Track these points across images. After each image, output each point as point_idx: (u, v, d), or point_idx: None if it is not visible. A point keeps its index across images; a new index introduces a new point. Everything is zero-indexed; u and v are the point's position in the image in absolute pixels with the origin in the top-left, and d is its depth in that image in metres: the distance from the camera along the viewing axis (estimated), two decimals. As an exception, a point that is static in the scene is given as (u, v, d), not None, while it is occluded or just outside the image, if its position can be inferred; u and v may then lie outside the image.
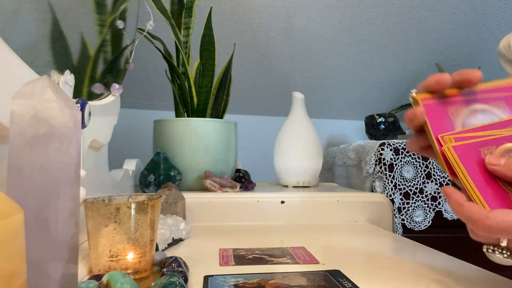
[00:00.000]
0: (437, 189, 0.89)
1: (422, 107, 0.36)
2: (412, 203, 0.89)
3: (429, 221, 0.89)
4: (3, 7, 0.38)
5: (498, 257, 0.31)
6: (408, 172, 0.89)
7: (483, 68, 1.38)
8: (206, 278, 0.40)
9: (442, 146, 0.34)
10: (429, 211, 0.89)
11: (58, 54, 0.50)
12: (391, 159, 0.88)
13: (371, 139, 1.29)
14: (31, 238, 0.24)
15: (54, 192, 0.26)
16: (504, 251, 0.30)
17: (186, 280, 0.37)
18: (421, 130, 0.37)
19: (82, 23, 0.59)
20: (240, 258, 0.48)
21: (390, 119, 1.26)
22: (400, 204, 0.88)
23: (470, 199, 0.31)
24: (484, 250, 0.32)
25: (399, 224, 0.88)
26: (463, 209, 0.30)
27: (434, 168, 0.89)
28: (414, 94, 0.37)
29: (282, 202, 0.76)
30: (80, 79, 0.55)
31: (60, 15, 0.49)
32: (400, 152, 0.89)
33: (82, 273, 0.39)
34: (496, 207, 0.30)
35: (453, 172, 0.33)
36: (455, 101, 0.36)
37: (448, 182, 0.90)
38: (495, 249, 0.31)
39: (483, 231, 0.29)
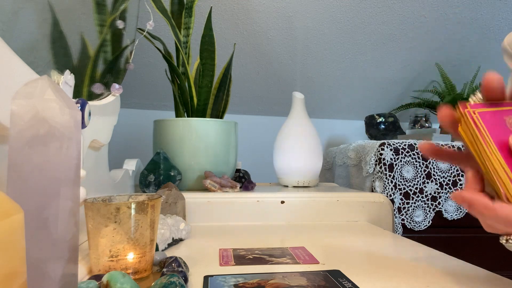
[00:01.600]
0: (437, 189, 0.89)
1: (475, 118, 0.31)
2: (412, 203, 0.89)
3: (429, 221, 0.89)
4: (3, 7, 0.38)
5: None
6: (408, 172, 0.89)
7: (483, 68, 1.38)
8: (206, 278, 0.40)
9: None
10: (429, 211, 0.89)
11: (58, 54, 0.50)
12: (391, 159, 0.88)
13: (371, 139, 1.29)
14: (31, 238, 0.24)
15: (54, 192, 0.26)
16: None
17: (186, 280, 0.37)
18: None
19: (82, 23, 0.59)
20: (240, 258, 0.48)
21: (390, 119, 1.26)
22: (400, 204, 0.88)
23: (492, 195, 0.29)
24: (503, 241, 0.31)
25: (399, 224, 0.88)
26: (495, 212, 0.28)
27: (434, 168, 0.89)
28: (470, 101, 0.32)
29: (282, 202, 0.76)
30: (80, 79, 0.55)
31: (60, 15, 0.49)
32: (400, 152, 0.89)
33: (82, 273, 0.39)
34: None
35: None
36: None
37: (448, 182, 0.90)
38: None
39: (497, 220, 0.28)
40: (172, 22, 0.85)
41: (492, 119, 0.30)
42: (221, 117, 0.96)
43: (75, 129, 0.27)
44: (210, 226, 0.70)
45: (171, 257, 0.40)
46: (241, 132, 1.41)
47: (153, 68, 1.24)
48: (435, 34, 1.27)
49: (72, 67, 0.53)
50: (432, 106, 1.33)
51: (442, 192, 0.89)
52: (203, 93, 0.90)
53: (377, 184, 0.89)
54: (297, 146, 0.96)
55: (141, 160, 0.96)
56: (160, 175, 0.80)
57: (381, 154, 0.89)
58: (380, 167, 0.89)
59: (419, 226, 0.89)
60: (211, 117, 0.93)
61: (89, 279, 0.34)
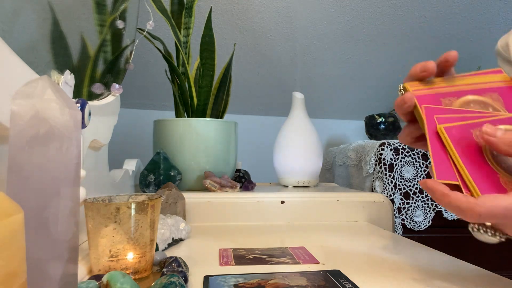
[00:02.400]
0: (437, 189, 0.89)
1: (411, 92, 0.37)
2: (412, 203, 0.89)
3: (429, 221, 0.89)
4: (3, 7, 0.38)
5: (484, 236, 0.31)
6: (408, 172, 0.89)
7: (483, 68, 1.38)
8: (206, 278, 0.40)
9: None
10: (429, 211, 0.89)
11: (58, 54, 0.50)
12: (391, 159, 0.88)
13: (371, 139, 1.29)
14: (31, 238, 0.24)
15: (54, 192, 0.26)
16: (489, 230, 0.31)
17: (186, 280, 0.37)
18: (413, 121, 0.38)
19: (82, 23, 0.59)
20: (240, 258, 0.48)
21: (390, 119, 1.26)
22: (400, 204, 0.88)
23: (453, 188, 0.31)
24: (470, 228, 0.32)
25: (399, 224, 0.88)
26: (449, 199, 0.30)
27: (434, 168, 0.89)
28: (402, 85, 0.39)
29: (282, 202, 0.76)
30: (80, 79, 0.55)
31: (60, 15, 0.49)
32: (400, 152, 0.89)
33: (82, 273, 0.39)
34: (487, 189, 0.30)
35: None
36: (445, 92, 0.37)
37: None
38: (480, 227, 0.31)
39: (473, 218, 0.29)
40: (172, 22, 0.85)
41: (458, 132, 0.33)
42: (221, 117, 0.96)
43: (75, 129, 0.27)
44: (210, 226, 0.70)
45: (171, 257, 0.40)
46: (241, 132, 1.41)
47: (153, 68, 1.24)
48: (435, 34, 1.27)
49: (72, 67, 0.53)
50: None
51: (442, 192, 0.89)
52: (203, 93, 0.90)
53: (377, 184, 0.89)
54: (297, 146, 0.96)
55: (141, 160, 0.96)
56: (160, 175, 0.80)
57: (381, 154, 0.89)
58: (380, 167, 0.89)
59: (419, 226, 0.89)
60: (211, 117, 0.93)
61: (89, 279, 0.34)
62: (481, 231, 0.31)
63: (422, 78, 0.38)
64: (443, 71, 0.39)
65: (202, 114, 0.92)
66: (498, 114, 0.35)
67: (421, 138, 0.39)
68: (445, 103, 0.36)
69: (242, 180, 0.94)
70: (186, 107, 0.92)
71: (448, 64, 0.38)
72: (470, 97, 0.37)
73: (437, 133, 0.33)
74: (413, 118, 0.38)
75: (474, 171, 0.31)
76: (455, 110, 0.35)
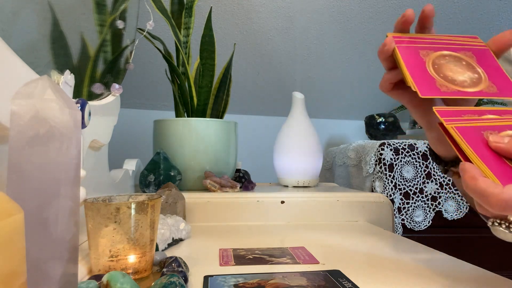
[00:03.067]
0: (437, 189, 0.89)
1: (391, 38, 0.39)
2: (412, 203, 0.89)
3: (429, 221, 0.89)
4: (3, 7, 0.38)
5: (503, 232, 0.29)
6: (408, 172, 0.89)
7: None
8: (206, 278, 0.40)
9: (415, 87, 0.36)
10: (429, 211, 0.89)
11: (58, 54, 0.50)
12: (391, 159, 0.88)
13: (371, 139, 1.29)
14: (31, 238, 0.24)
15: (54, 192, 0.26)
16: (511, 225, 0.29)
17: (186, 280, 0.37)
18: (393, 68, 0.41)
19: (82, 23, 0.59)
20: (240, 258, 0.48)
21: (390, 119, 1.26)
22: (400, 204, 0.88)
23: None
24: (489, 224, 0.31)
25: (399, 224, 0.88)
26: (476, 182, 0.29)
27: (434, 168, 0.89)
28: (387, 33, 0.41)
29: (282, 202, 0.76)
30: (80, 79, 0.55)
31: (60, 15, 0.49)
32: (400, 152, 0.89)
33: (82, 273, 0.39)
34: (506, 183, 0.29)
35: (455, 144, 0.33)
36: (424, 46, 0.40)
37: (448, 181, 0.90)
38: (502, 222, 0.29)
39: (497, 205, 0.28)
40: (172, 22, 0.85)
41: (470, 132, 0.34)
42: (221, 117, 0.96)
43: (75, 129, 0.27)
44: (210, 226, 0.70)
45: (171, 257, 0.40)
46: (241, 132, 1.41)
47: (153, 68, 1.24)
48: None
49: (72, 67, 0.53)
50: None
51: (442, 192, 0.90)
52: (203, 93, 0.90)
53: (377, 184, 0.89)
54: (297, 146, 0.96)
55: (141, 160, 0.96)
56: (160, 175, 0.80)
57: (381, 154, 0.89)
58: (380, 167, 0.89)
59: (419, 226, 0.89)
60: (211, 117, 0.94)
61: (89, 279, 0.34)
62: (503, 226, 0.29)
63: (404, 26, 0.40)
64: (422, 25, 0.41)
65: (202, 114, 0.92)
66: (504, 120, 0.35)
67: (399, 85, 0.42)
68: (423, 53, 0.39)
69: (242, 180, 0.94)
70: (186, 107, 0.92)
71: (424, 15, 0.40)
72: (445, 52, 0.39)
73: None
74: (393, 65, 0.40)
75: (491, 165, 0.31)
76: (465, 111, 0.35)
